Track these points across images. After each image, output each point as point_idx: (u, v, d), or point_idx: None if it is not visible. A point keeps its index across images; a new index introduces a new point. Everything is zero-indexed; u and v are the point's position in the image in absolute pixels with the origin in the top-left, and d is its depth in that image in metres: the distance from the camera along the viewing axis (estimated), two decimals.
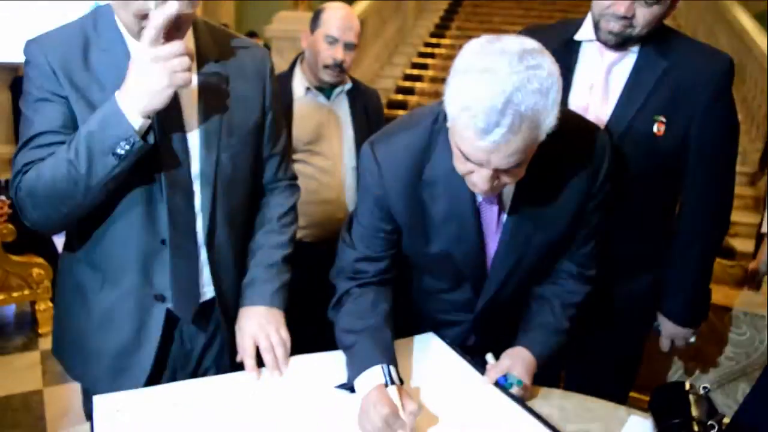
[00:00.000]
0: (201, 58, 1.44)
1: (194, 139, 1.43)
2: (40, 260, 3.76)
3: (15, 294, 3.70)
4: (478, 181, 1.23)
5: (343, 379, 1.41)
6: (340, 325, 1.47)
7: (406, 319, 1.49)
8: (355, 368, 1.36)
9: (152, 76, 1.21)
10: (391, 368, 1.33)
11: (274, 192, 1.66)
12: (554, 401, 1.42)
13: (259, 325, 1.49)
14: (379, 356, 1.35)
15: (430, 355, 1.54)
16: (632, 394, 2.13)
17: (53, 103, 1.33)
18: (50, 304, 3.82)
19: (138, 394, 1.36)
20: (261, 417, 1.30)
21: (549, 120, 1.16)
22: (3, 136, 6.66)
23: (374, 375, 1.32)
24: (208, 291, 1.53)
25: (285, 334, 1.50)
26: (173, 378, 1.53)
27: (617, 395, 1.53)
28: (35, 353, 3.59)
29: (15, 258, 3.66)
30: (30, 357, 3.55)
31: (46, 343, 3.69)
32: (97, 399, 1.32)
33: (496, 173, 1.21)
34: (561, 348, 1.51)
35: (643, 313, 1.89)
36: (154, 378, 1.48)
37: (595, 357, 1.92)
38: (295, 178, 1.72)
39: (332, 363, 1.48)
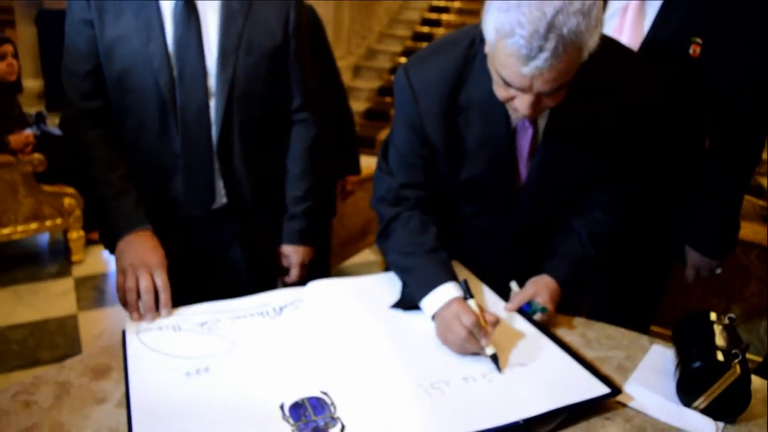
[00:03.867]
0: None
1: (212, 56, 1.53)
2: (71, 190, 3.82)
3: (48, 223, 3.77)
4: (520, 106, 1.21)
5: (383, 300, 1.46)
6: (395, 248, 1.49)
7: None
8: (421, 288, 1.38)
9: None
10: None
11: (300, 124, 1.73)
12: (577, 329, 1.43)
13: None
14: (446, 275, 1.38)
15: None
16: (654, 328, 2.13)
17: (82, 32, 1.49)
18: (82, 233, 3.90)
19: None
20: (291, 339, 1.32)
21: (592, 41, 1.14)
22: (31, 71, 6.68)
23: (447, 291, 1.35)
24: (220, 198, 1.65)
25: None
26: (195, 283, 1.63)
27: (639, 327, 1.53)
28: (69, 280, 3.69)
29: (46, 188, 3.71)
30: (64, 283, 3.65)
31: (79, 271, 3.79)
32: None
33: (539, 97, 1.19)
34: (586, 277, 1.51)
35: (670, 243, 1.86)
36: (178, 282, 1.52)
37: (619, 288, 1.92)
38: (316, 107, 1.76)
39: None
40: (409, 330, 1.36)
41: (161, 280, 1.41)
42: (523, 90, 1.18)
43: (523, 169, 1.44)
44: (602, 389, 1.17)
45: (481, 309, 1.31)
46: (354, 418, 1.08)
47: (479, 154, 1.41)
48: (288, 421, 1.07)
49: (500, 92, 1.24)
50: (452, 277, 1.38)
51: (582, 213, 1.52)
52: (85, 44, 1.50)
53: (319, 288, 1.51)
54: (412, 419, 1.08)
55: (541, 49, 1.09)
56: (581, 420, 1.13)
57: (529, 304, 1.42)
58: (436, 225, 1.49)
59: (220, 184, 1.63)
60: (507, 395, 1.15)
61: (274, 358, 1.25)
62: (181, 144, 1.55)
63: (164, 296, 1.40)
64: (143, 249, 1.46)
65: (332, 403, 1.12)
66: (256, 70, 1.57)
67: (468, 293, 1.33)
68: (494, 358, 1.24)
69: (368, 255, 4.07)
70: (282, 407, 1.10)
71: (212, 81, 1.54)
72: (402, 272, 1.47)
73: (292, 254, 1.74)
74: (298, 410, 1.10)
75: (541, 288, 1.43)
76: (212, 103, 1.55)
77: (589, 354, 1.32)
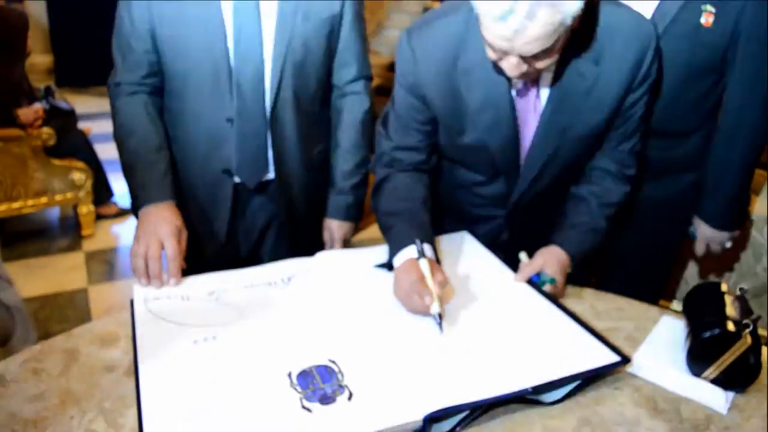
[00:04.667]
0: None
1: (270, 21, 1.54)
2: (81, 164, 3.82)
3: (58, 197, 3.78)
4: (507, 68, 1.23)
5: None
6: (380, 208, 1.51)
7: (440, 216, 1.50)
8: (394, 248, 1.40)
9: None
10: (426, 245, 1.36)
11: (353, 96, 1.74)
12: (586, 300, 1.42)
13: None
14: (415, 235, 1.38)
15: (463, 254, 1.54)
16: (662, 302, 2.11)
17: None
18: (92, 208, 3.91)
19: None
20: (299, 308, 1.32)
21: (571, 4, 1.13)
22: (40, 47, 6.65)
23: (409, 252, 1.36)
24: (271, 170, 1.67)
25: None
26: (237, 252, 1.75)
27: (647, 302, 1.51)
28: (80, 254, 3.71)
29: (56, 162, 3.72)
30: (75, 258, 3.67)
31: (89, 245, 3.81)
32: (137, 287, 1.38)
33: (524, 60, 1.19)
34: (596, 248, 1.50)
35: (679, 216, 1.84)
36: (222, 249, 1.70)
37: (627, 260, 1.90)
38: (370, 77, 1.78)
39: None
40: None
41: (171, 249, 1.43)
42: (504, 52, 1.18)
43: (527, 134, 1.44)
44: (612, 358, 1.17)
45: (434, 269, 1.31)
46: (361, 386, 1.08)
47: (481, 117, 1.41)
48: (296, 389, 1.07)
49: (489, 53, 1.25)
50: (423, 236, 1.38)
51: (591, 181, 1.51)
52: (136, 10, 1.52)
53: (328, 258, 1.52)
54: (419, 388, 1.08)
55: (512, 11, 1.10)
56: (591, 389, 1.13)
57: (538, 275, 1.41)
58: (431, 189, 1.51)
59: (269, 156, 1.65)
60: (516, 364, 1.15)
61: (281, 327, 1.25)
62: (236, 110, 1.56)
63: (172, 265, 1.42)
64: (159, 219, 1.48)
65: (340, 371, 1.11)
66: (313, 37, 1.58)
67: (421, 253, 1.32)
68: (438, 318, 1.24)
69: (376, 231, 4.05)
70: (290, 375, 1.10)
71: (269, 46, 1.54)
72: (384, 232, 1.48)
73: (336, 229, 1.76)
74: (305, 378, 1.10)
75: (550, 259, 1.42)
76: (267, 68, 1.56)
77: (598, 325, 1.31)
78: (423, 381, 1.10)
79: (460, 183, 1.59)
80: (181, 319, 1.26)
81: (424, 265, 1.30)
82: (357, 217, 1.79)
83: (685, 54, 1.57)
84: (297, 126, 1.64)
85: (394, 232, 1.43)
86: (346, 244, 1.79)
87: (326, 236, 1.78)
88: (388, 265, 1.42)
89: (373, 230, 3.95)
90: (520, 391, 1.07)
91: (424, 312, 1.26)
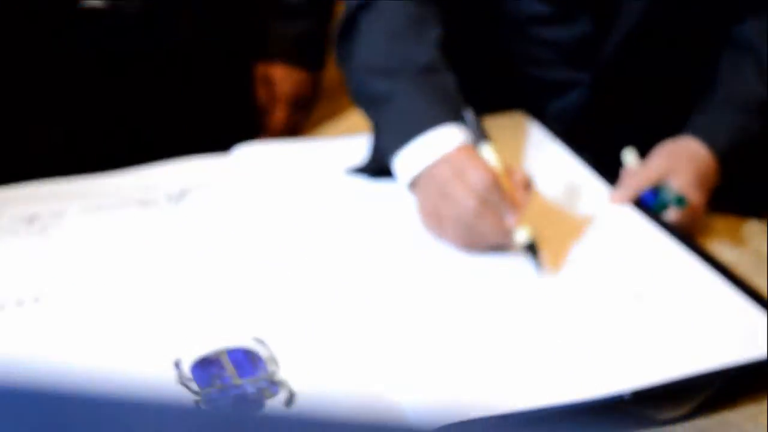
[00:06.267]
0: None
1: None
2: None
3: None
4: None
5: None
6: (363, 61, 1.39)
7: (473, 84, 1.40)
8: (400, 131, 1.28)
9: None
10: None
11: None
12: (750, 243, 1.31)
13: None
14: (447, 110, 1.27)
15: (521, 150, 1.48)
16: None
17: None
18: None
19: None
20: (198, 248, 1.28)
21: None
22: None
23: (443, 137, 1.24)
24: None
25: None
26: (87, 146, 1.64)
27: None
28: None
29: None
30: None
31: None
32: None
33: None
34: None
35: None
36: (55, 136, 1.63)
37: None
38: None
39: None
40: (411, 227, 1.28)
41: None
42: None
43: None
44: None
45: (506, 166, 1.21)
46: (310, 381, 1.00)
47: None
48: (188, 387, 1.00)
49: None
50: (456, 114, 1.26)
51: (762, 14, 1.40)
52: None
53: (250, 158, 1.46)
54: (413, 385, 1.00)
55: None
56: (744, 399, 1.02)
57: (656, 191, 1.30)
58: (472, 37, 1.48)
59: None
60: (601, 349, 1.05)
61: (164, 283, 1.18)
62: None
63: None
64: None
65: (271, 357, 1.04)
66: None
67: (480, 134, 1.23)
68: (531, 250, 1.15)
69: (356, 118, 4.01)
70: (178, 364, 1.02)
71: None
72: (372, 105, 1.37)
73: (281, 80, 1.75)
74: (207, 369, 1.02)
75: (679, 161, 1.31)
76: None
77: None
78: (418, 377, 1.02)
79: (511, 20, 1.50)
80: None
81: (491, 155, 1.20)
82: (316, 61, 1.75)
83: None
84: None
85: (397, 104, 1.32)
86: (301, 110, 1.78)
87: (262, 96, 1.72)
88: (374, 169, 1.34)
89: (351, 119, 3.96)
90: (609, 397, 0.98)
91: (497, 245, 1.18)
